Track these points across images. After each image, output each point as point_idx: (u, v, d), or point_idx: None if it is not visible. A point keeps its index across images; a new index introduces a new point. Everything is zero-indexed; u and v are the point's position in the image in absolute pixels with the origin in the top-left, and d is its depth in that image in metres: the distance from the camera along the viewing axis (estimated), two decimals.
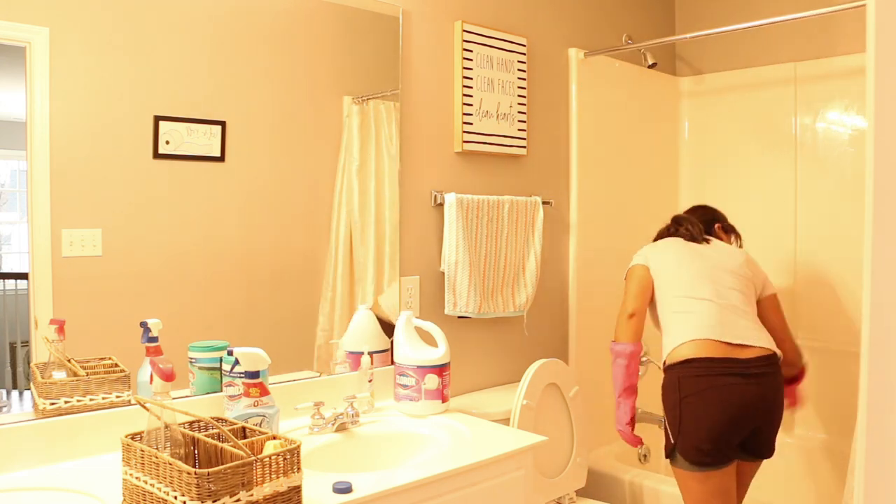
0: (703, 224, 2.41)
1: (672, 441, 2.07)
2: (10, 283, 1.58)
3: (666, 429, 2.10)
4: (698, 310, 2.12)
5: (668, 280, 2.22)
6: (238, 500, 1.20)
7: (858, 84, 2.82)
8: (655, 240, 2.43)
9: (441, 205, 2.33)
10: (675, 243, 2.31)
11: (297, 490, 1.30)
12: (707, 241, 2.33)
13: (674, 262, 2.24)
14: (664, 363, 2.15)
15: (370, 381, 1.99)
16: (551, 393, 2.36)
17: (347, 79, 2.11)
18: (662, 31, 3.28)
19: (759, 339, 2.10)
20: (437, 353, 1.99)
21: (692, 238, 2.32)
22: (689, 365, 2.06)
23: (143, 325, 1.68)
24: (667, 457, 2.10)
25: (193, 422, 1.42)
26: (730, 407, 2.00)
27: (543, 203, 2.59)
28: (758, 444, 2.11)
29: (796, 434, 3.00)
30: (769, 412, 2.07)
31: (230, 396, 1.73)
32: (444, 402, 1.99)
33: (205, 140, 1.82)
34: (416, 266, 2.29)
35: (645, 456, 3.00)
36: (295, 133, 1.99)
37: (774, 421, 2.10)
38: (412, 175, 2.28)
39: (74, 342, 1.62)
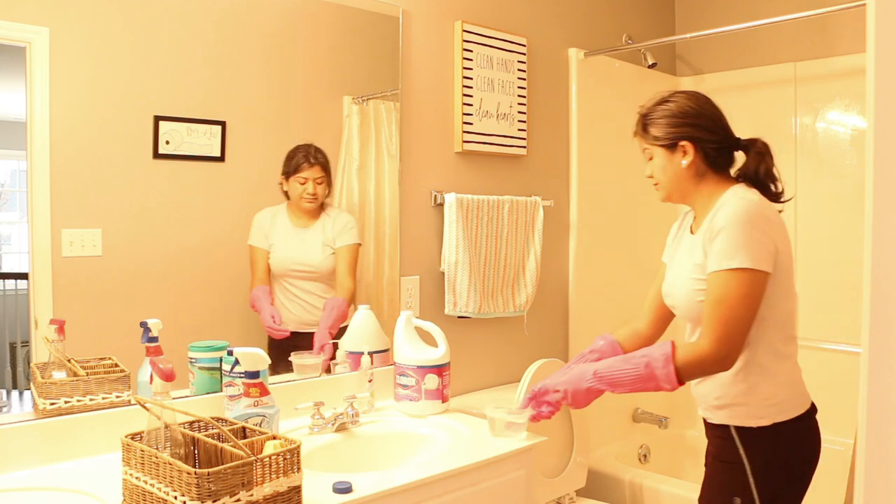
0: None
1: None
2: (10, 283, 1.58)
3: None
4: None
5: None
6: (238, 500, 1.20)
7: (858, 84, 2.82)
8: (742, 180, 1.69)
9: (441, 205, 2.33)
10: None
11: (297, 490, 1.30)
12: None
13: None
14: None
15: (370, 381, 1.99)
16: None
17: (347, 79, 2.11)
18: (662, 31, 3.28)
19: None
20: (437, 353, 1.99)
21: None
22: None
23: (143, 325, 1.68)
24: None
25: (193, 422, 1.41)
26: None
27: (543, 202, 2.59)
28: None
29: None
30: None
31: (230, 396, 1.72)
32: (444, 402, 1.99)
33: (205, 140, 1.82)
34: (416, 266, 2.29)
35: (645, 456, 3.00)
36: (295, 133, 1.99)
37: None
38: (412, 175, 2.28)
39: (74, 342, 1.62)
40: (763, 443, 1.56)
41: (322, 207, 2.06)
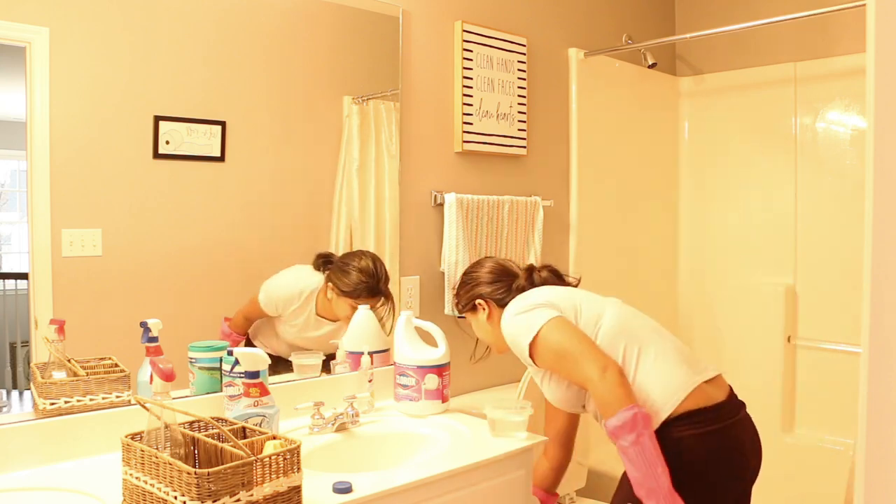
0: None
1: None
2: (10, 283, 1.58)
3: None
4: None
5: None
6: (238, 500, 1.20)
7: (858, 84, 2.82)
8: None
9: (441, 205, 2.33)
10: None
11: (297, 490, 1.30)
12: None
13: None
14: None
15: (370, 381, 1.99)
16: None
17: (347, 79, 2.11)
18: (662, 31, 3.28)
19: None
20: (437, 353, 1.99)
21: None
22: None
23: (143, 325, 1.68)
24: None
25: (193, 422, 1.41)
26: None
27: (543, 202, 2.59)
28: (743, 494, 1.71)
29: (796, 434, 3.00)
30: (759, 454, 1.72)
31: (230, 396, 1.72)
32: (444, 402, 1.99)
33: (205, 140, 1.82)
34: (416, 266, 2.29)
35: None
36: (295, 133, 1.99)
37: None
38: (412, 175, 2.28)
39: (74, 342, 1.62)
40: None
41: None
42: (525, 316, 1.73)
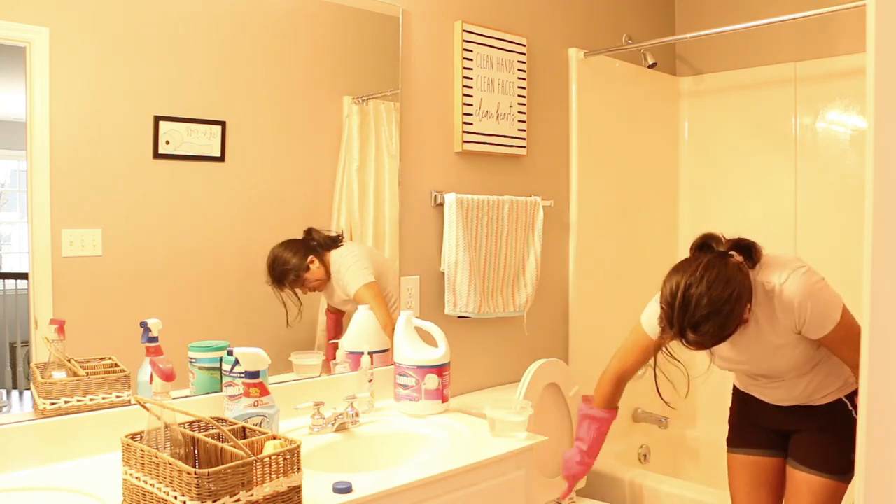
0: None
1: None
2: (10, 283, 1.58)
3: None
4: None
5: None
6: (238, 500, 1.20)
7: (858, 84, 2.82)
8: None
9: (441, 205, 2.33)
10: None
11: (297, 490, 1.30)
12: None
13: None
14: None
15: (370, 381, 1.99)
16: (551, 393, 2.36)
17: (347, 79, 2.11)
18: (662, 31, 3.28)
19: None
20: (437, 353, 1.99)
21: None
22: None
23: (143, 325, 1.68)
24: (845, 473, 1.84)
25: (193, 422, 1.41)
26: None
27: (543, 202, 2.59)
28: None
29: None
30: None
31: (230, 396, 1.72)
32: (444, 402, 1.99)
33: (205, 140, 1.82)
34: (416, 266, 2.29)
35: (645, 456, 3.00)
36: (295, 133, 1.99)
37: None
38: (412, 175, 2.28)
39: (74, 342, 1.62)
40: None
41: (327, 276, 2.09)
42: (829, 288, 1.81)
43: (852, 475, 1.83)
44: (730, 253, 1.75)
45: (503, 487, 1.72)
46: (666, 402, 2.11)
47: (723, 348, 1.84)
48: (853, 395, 1.87)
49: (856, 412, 1.75)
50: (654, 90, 3.17)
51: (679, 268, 1.68)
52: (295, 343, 2.03)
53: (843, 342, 1.76)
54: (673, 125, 3.29)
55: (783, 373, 1.87)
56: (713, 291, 1.59)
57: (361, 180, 2.15)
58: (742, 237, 1.81)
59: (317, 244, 2.05)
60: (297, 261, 2.01)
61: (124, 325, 1.69)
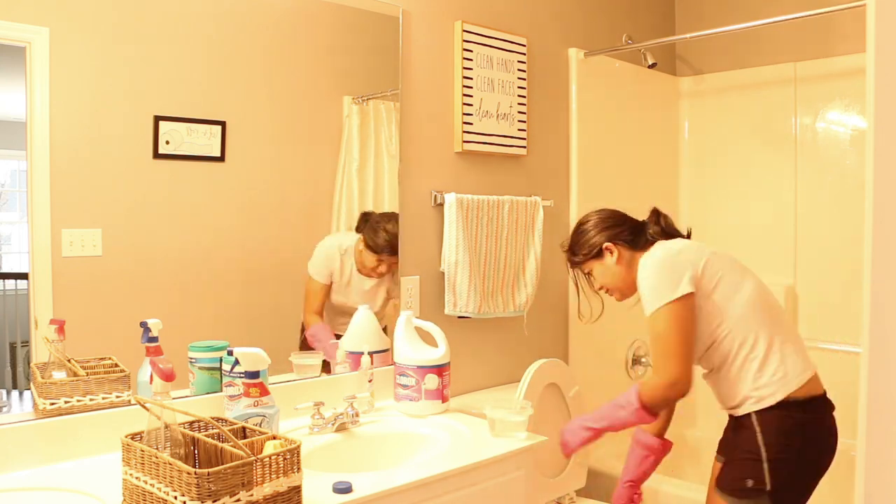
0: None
1: (768, 486, 1.72)
2: (10, 283, 1.58)
3: (762, 472, 1.73)
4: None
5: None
6: (238, 500, 1.20)
7: (858, 84, 2.82)
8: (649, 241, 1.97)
9: (441, 205, 2.33)
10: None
11: (297, 490, 1.30)
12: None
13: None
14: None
15: (370, 381, 1.99)
16: (551, 393, 2.36)
17: (347, 79, 2.11)
18: (662, 31, 3.28)
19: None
20: (437, 353, 1.99)
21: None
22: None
23: (143, 325, 1.68)
24: (738, 498, 1.76)
25: (193, 422, 1.41)
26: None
27: (543, 202, 2.59)
28: None
29: None
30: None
31: (230, 396, 1.72)
32: (444, 402, 1.99)
33: (205, 140, 1.82)
34: (416, 266, 2.29)
35: None
36: (295, 133, 1.99)
37: None
38: (412, 175, 2.28)
39: (74, 342, 1.62)
40: (774, 422, 1.73)
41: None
42: (670, 276, 1.78)
43: None
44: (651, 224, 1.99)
45: (503, 487, 1.72)
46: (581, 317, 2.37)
47: None
48: (764, 413, 1.74)
49: (761, 432, 1.72)
50: (654, 90, 3.17)
51: None
52: (294, 343, 2.03)
53: (652, 342, 1.81)
54: (673, 125, 3.29)
55: (706, 366, 1.88)
56: (583, 218, 2.06)
57: (361, 180, 2.15)
58: (666, 220, 2.02)
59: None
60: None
61: (124, 325, 1.69)
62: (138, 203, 1.71)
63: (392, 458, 1.82)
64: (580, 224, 2.06)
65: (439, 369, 1.97)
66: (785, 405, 1.73)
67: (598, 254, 1.98)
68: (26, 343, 1.57)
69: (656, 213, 2.02)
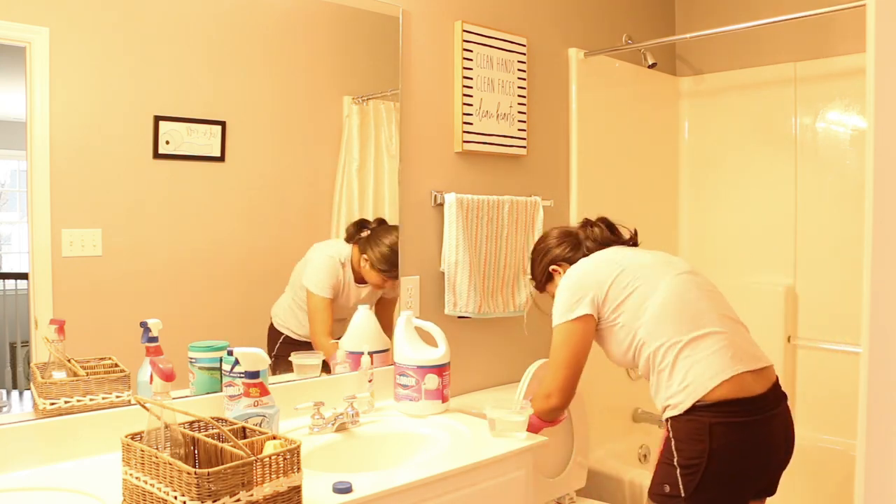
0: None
1: (682, 492, 1.70)
2: (10, 283, 1.58)
3: (676, 477, 1.71)
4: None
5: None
6: (238, 500, 1.20)
7: (858, 84, 2.82)
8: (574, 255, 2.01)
9: (441, 205, 2.33)
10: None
11: (297, 490, 1.30)
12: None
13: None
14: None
15: (370, 381, 1.99)
16: None
17: (347, 79, 2.11)
18: (662, 31, 3.28)
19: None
20: (437, 353, 1.99)
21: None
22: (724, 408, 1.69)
23: (143, 325, 1.68)
24: (655, 497, 1.77)
25: (193, 422, 1.41)
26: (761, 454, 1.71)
27: (543, 202, 2.59)
28: (769, 484, 1.82)
29: (796, 434, 2.99)
30: (791, 446, 1.80)
31: (230, 396, 1.72)
32: (444, 402, 1.99)
33: (205, 140, 1.82)
34: (416, 266, 2.29)
35: (645, 456, 3.00)
36: (295, 133, 1.99)
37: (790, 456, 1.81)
38: (412, 175, 2.28)
39: (74, 342, 1.62)
40: (684, 427, 1.71)
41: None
42: (570, 298, 1.86)
43: None
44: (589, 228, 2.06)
45: (503, 487, 1.72)
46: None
47: None
48: (676, 420, 1.72)
49: (674, 438, 1.71)
50: (654, 90, 3.17)
51: None
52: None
53: (551, 353, 1.90)
54: (673, 125, 3.29)
55: (644, 377, 1.89)
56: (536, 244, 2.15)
57: (361, 180, 2.15)
58: (597, 229, 2.05)
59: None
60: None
61: (124, 325, 1.69)
62: (138, 203, 1.71)
63: (392, 458, 1.82)
64: (532, 252, 2.15)
65: (439, 369, 1.97)
66: (696, 410, 1.69)
67: (550, 277, 2.06)
68: (26, 343, 1.57)
69: (586, 224, 2.07)
